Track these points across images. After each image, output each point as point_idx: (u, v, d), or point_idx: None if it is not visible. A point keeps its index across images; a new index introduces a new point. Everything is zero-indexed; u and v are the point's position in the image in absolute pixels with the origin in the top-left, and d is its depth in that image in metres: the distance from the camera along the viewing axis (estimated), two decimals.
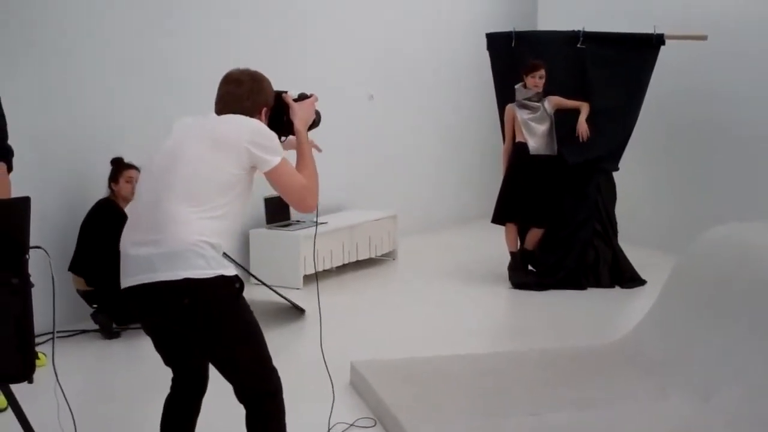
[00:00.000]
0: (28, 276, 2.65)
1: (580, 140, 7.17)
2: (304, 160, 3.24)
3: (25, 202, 2.64)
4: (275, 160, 3.06)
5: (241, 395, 3.05)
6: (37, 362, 4.13)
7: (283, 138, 3.27)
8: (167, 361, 3.23)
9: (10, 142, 4.18)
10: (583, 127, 7.15)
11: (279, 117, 3.30)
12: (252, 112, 3.20)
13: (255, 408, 3.05)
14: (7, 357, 2.65)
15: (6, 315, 2.59)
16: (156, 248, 2.89)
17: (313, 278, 7.39)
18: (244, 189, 3.08)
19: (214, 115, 3.23)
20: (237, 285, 2.97)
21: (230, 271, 2.95)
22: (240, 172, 3.02)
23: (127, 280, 2.96)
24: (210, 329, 2.92)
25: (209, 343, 2.98)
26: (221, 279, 2.91)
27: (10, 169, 3.39)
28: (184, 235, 2.88)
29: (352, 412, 4.32)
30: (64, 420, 3.29)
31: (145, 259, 2.91)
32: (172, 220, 2.90)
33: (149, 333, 3.17)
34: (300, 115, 3.32)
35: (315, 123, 3.40)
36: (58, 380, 3.03)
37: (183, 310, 2.88)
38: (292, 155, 3.21)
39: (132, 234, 3.01)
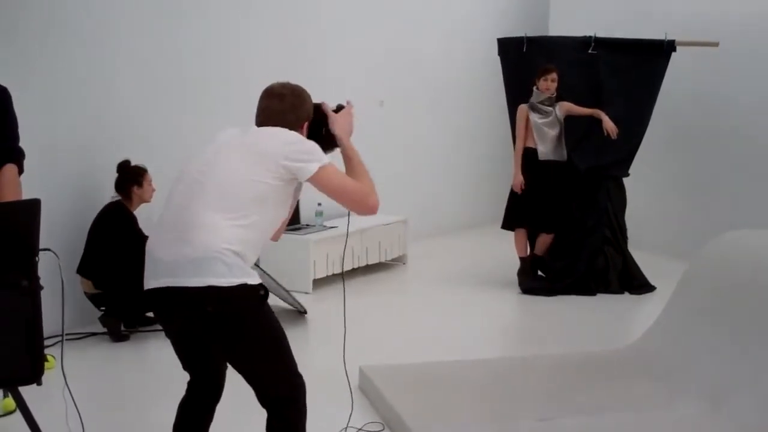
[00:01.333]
0: (37, 278, 2.64)
1: (612, 138, 7.12)
2: (352, 165, 3.28)
3: (35, 204, 2.65)
4: (313, 166, 3.04)
5: (263, 400, 3.04)
6: (46, 365, 4.15)
7: (328, 152, 3.25)
8: (186, 365, 3.23)
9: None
10: (610, 125, 7.11)
11: (318, 129, 3.32)
12: (294, 126, 3.21)
13: (276, 413, 3.04)
14: (16, 359, 2.64)
15: (15, 317, 2.59)
16: (182, 252, 2.89)
17: (322, 283, 7.40)
18: (279, 201, 3.08)
19: (255, 127, 3.24)
20: (261, 292, 2.95)
21: (254, 279, 2.93)
22: (277, 182, 3.01)
23: (151, 282, 2.95)
24: (233, 337, 2.92)
25: (232, 350, 2.98)
26: (245, 287, 2.89)
27: (21, 171, 3.40)
28: (210, 242, 2.87)
29: (360, 416, 4.31)
30: (72, 423, 3.29)
31: (170, 262, 2.91)
32: (200, 225, 2.90)
33: (170, 336, 3.16)
34: (341, 124, 3.35)
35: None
36: (66, 383, 3.03)
37: (206, 317, 2.88)
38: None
39: (160, 236, 3.01)
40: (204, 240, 2.87)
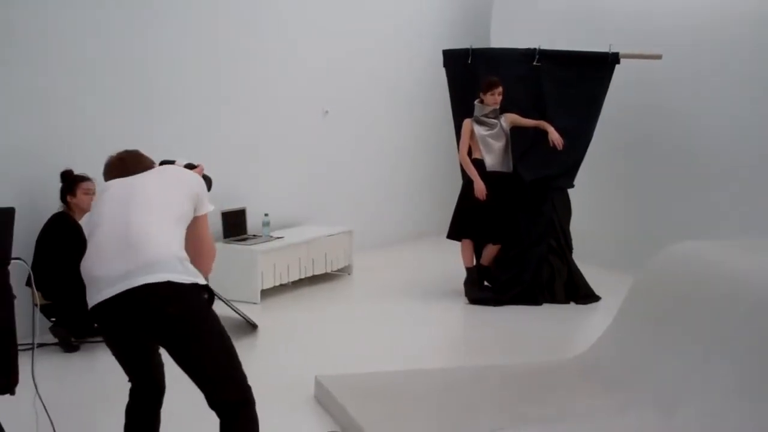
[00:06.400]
0: (10, 287, 2.60)
1: (558, 149, 7.21)
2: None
3: (9, 212, 2.61)
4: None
5: (214, 403, 3.06)
6: None
7: None
8: (129, 371, 3.29)
9: None
10: (555, 136, 7.19)
11: None
12: None
13: (231, 417, 3.06)
14: None
15: None
16: (133, 262, 2.98)
17: (269, 293, 7.36)
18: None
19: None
20: (206, 296, 3.07)
21: (203, 281, 3.07)
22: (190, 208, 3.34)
23: (101, 294, 2.97)
24: (186, 336, 2.99)
25: (185, 349, 3.02)
26: (198, 287, 3.03)
27: None
28: (163, 247, 3.02)
29: (317, 425, 4.31)
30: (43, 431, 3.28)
31: (121, 274, 2.97)
32: (149, 234, 3.03)
33: (114, 345, 3.19)
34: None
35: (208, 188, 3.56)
36: (38, 392, 3.04)
37: (164, 316, 2.95)
38: None
39: (97, 256, 3.06)
40: (156, 247, 3.00)
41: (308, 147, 8.93)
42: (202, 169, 3.56)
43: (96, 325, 3.10)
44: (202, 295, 3.05)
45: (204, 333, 3.02)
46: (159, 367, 3.34)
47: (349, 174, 9.62)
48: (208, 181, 3.53)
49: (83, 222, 5.66)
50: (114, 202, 3.18)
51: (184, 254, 3.09)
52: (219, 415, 3.05)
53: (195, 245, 3.26)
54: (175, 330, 2.97)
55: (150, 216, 3.09)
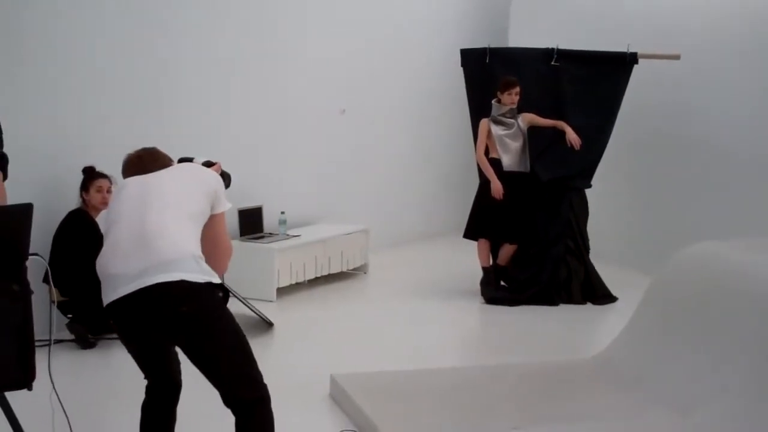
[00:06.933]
0: (27, 283, 2.61)
1: (576, 149, 7.18)
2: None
3: (27, 208, 2.62)
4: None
5: (229, 401, 3.06)
6: None
7: None
8: (145, 369, 3.30)
9: None
10: (573, 136, 7.16)
11: None
12: None
13: (246, 415, 3.06)
14: (7, 364, 2.62)
15: (6, 323, 2.56)
16: (148, 260, 2.98)
17: (285, 291, 7.36)
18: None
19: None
20: (221, 294, 3.07)
21: (217, 280, 3.07)
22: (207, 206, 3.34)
23: (116, 292, 2.97)
24: (202, 335, 3.00)
25: (200, 348, 3.02)
26: (212, 285, 3.03)
27: (5, 176, 3.38)
28: (178, 246, 3.02)
29: (333, 423, 4.30)
30: (58, 427, 3.30)
31: (136, 273, 2.97)
32: (165, 233, 3.03)
33: (129, 342, 3.20)
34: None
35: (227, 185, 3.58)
36: (54, 389, 3.04)
37: (178, 315, 2.95)
38: None
39: (113, 254, 3.07)
40: (172, 245, 3.00)
41: (325, 145, 8.92)
42: (220, 167, 3.56)
43: (111, 322, 3.11)
44: (217, 293, 3.05)
45: (218, 331, 3.02)
46: (175, 364, 3.34)
47: (366, 173, 9.61)
48: (226, 178, 3.53)
49: (101, 219, 5.69)
50: (131, 200, 3.18)
51: (200, 252, 3.08)
52: (234, 412, 3.06)
53: (211, 243, 3.26)
54: (189, 329, 2.97)
55: (166, 214, 3.09)
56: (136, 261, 2.97)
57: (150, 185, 3.22)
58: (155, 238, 3.01)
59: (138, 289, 2.94)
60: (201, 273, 3.00)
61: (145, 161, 3.43)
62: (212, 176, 3.37)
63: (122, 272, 2.98)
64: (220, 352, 3.03)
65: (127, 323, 3.08)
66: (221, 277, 3.17)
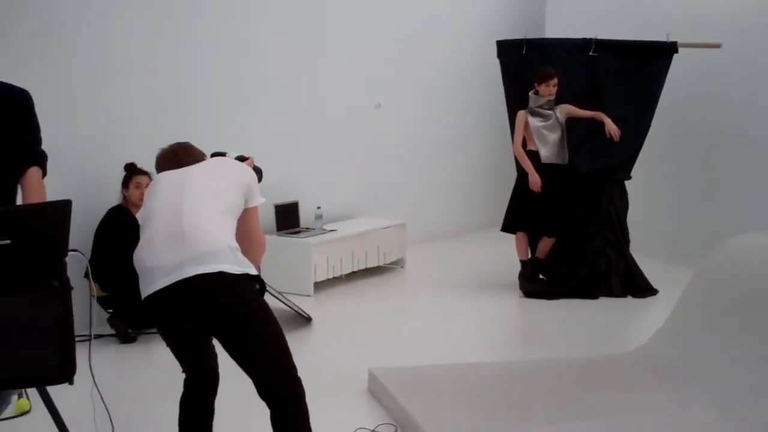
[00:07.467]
0: (67, 279, 2.64)
1: (615, 140, 7.09)
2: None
3: (66, 205, 2.64)
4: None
5: (264, 393, 3.08)
6: (22, 406, 4.17)
7: None
8: (183, 362, 3.34)
9: None
10: (612, 127, 7.07)
11: None
12: None
13: (282, 408, 3.08)
14: (48, 359, 2.65)
15: (47, 318, 2.59)
16: (187, 253, 3.01)
17: (322, 286, 7.36)
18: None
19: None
20: (257, 286, 3.11)
21: (254, 271, 3.09)
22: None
23: (154, 285, 3.00)
24: (240, 327, 3.02)
25: (239, 340, 3.04)
26: (249, 276, 3.05)
27: (44, 173, 3.43)
28: (216, 238, 3.05)
29: (371, 417, 4.29)
30: (99, 421, 3.33)
31: (175, 264, 3.01)
32: (202, 226, 3.06)
33: (167, 335, 3.23)
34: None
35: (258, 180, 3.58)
36: (95, 382, 3.06)
37: (217, 306, 2.97)
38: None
39: (151, 247, 3.10)
40: (208, 237, 3.03)
41: (361, 140, 8.91)
42: (253, 161, 3.57)
43: (150, 315, 3.13)
44: (254, 285, 3.07)
45: (256, 323, 3.04)
46: (212, 357, 3.36)
47: (402, 166, 9.59)
48: (258, 173, 3.53)
49: (138, 215, 5.73)
50: (166, 194, 3.20)
51: (236, 244, 3.10)
52: (269, 405, 3.08)
53: (245, 238, 3.26)
54: (227, 320, 2.99)
55: (202, 207, 3.11)
56: (174, 254, 3.00)
57: (185, 180, 3.24)
58: (192, 231, 3.03)
59: (176, 281, 2.96)
60: (238, 264, 3.02)
61: (179, 156, 3.45)
62: (246, 170, 3.37)
63: (159, 265, 3.01)
64: (256, 343, 3.04)
65: (165, 315, 3.10)
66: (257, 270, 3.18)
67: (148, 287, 3.03)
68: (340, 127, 8.60)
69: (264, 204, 3.43)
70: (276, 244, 7.21)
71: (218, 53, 7.11)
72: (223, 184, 3.24)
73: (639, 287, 7.30)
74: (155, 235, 3.09)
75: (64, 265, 2.67)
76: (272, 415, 3.08)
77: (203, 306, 2.97)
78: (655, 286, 7.32)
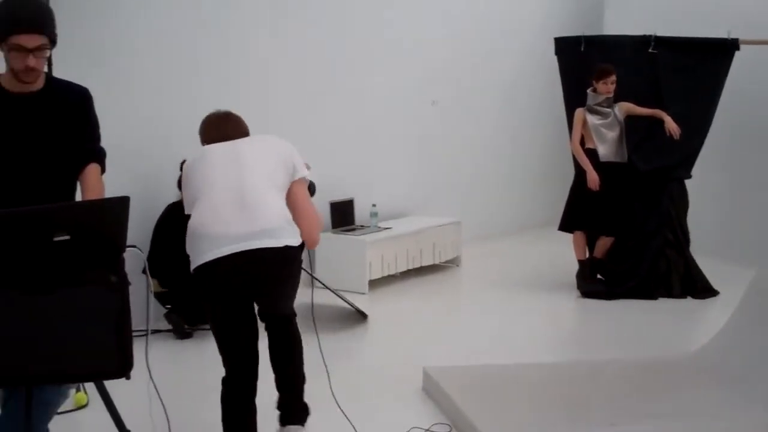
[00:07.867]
0: (125, 274, 2.67)
1: (675, 138, 6.98)
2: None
3: (124, 201, 2.68)
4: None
5: (275, 318, 3.49)
6: (79, 400, 4.22)
7: None
8: (225, 346, 3.47)
9: None
10: (672, 125, 6.97)
11: None
12: None
13: (286, 325, 3.50)
14: (106, 354, 2.69)
15: (105, 313, 2.63)
16: (252, 225, 3.21)
17: (377, 284, 7.36)
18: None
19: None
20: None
21: (300, 240, 3.41)
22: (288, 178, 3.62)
23: (219, 251, 3.12)
24: (287, 287, 3.45)
25: (285, 291, 3.44)
26: (302, 247, 3.41)
27: (103, 170, 3.49)
28: (277, 213, 3.30)
29: (426, 417, 4.27)
30: (155, 417, 3.36)
31: (240, 234, 3.20)
32: (260, 201, 3.27)
33: (223, 303, 3.36)
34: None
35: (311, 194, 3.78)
36: (151, 377, 3.10)
37: (278, 276, 3.30)
38: None
39: (217, 216, 3.25)
40: (272, 212, 3.28)
41: (417, 138, 8.89)
42: (308, 174, 3.70)
43: (205, 281, 3.27)
44: (302, 252, 3.37)
45: (293, 284, 3.44)
46: (255, 335, 3.50)
47: (458, 164, 9.54)
48: (311, 188, 3.66)
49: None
50: (223, 165, 3.36)
51: (290, 216, 3.35)
52: (276, 325, 3.47)
53: (299, 216, 3.45)
54: (279, 286, 3.31)
55: (261, 183, 3.31)
56: (240, 224, 3.18)
57: (240, 154, 3.40)
58: (257, 204, 3.23)
59: (244, 250, 3.14)
60: (296, 237, 3.31)
61: (229, 127, 3.64)
62: (286, 146, 3.56)
63: (225, 232, 3.17)
64: (283, 295, 3.44)
65: (222, 281, 3.18)
66: (313, 248, 3.62)
67: (208, 253, 3.14)
68: (395, 125, 8.59)
69: (320, 201, 3.49)
70: (331, 242, 7.22)
71: (281, 52, 7.15)
72: (271, 162, 3.43)
73: (699, 288, 7.17)
74: (220, 203, 3.21)
75: (122, 261, 2.70)
76: (274, 336, 3.43)
77: (268, 276, 3.23)
78: (715, 287, 7.19)
